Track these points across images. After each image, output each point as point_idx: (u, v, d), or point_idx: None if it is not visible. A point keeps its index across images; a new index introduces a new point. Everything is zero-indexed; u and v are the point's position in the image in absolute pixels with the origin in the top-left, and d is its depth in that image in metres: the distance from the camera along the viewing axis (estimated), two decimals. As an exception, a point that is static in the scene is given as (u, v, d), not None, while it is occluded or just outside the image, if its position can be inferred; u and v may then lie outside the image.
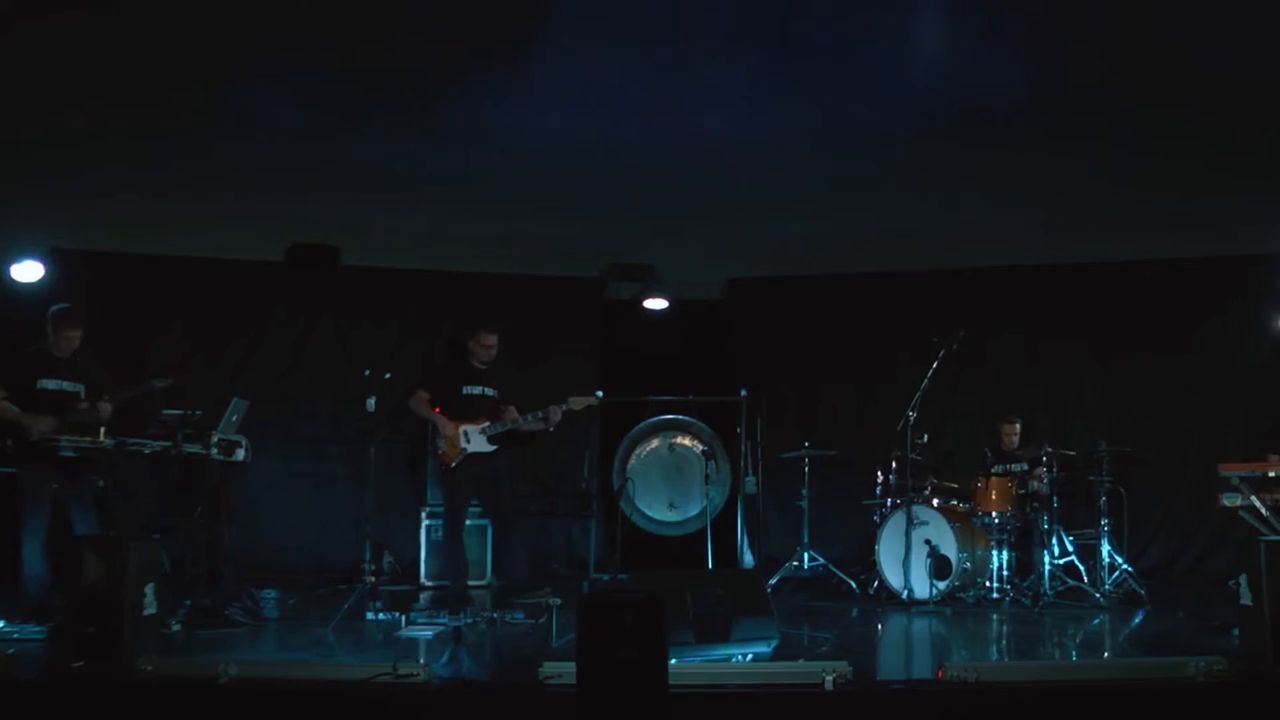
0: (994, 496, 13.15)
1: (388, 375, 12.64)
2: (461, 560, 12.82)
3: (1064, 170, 12.17)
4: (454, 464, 12.64)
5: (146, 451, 11.17)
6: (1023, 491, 13.36)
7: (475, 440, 12.64)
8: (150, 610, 8.86)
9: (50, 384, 11.22)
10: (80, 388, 11.30)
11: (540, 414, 12.61)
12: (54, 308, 11.48)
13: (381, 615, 11.56)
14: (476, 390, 12.85)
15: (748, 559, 15.44)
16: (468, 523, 14.15)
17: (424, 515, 14.90)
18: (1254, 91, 10.11)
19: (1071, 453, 13.71)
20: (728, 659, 9.13)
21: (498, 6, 8.99)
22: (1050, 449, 13.24)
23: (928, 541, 12.82)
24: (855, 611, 12.87)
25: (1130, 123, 10.88)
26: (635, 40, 9.42)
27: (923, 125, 10.96)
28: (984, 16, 8.98)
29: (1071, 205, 13.25)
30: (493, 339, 12.88)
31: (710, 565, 14.14)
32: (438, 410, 12.74)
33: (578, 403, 12.81)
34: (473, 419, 12.70)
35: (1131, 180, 12.39)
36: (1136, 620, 12.09)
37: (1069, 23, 9.09)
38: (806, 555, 14.68)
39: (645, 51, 9.63)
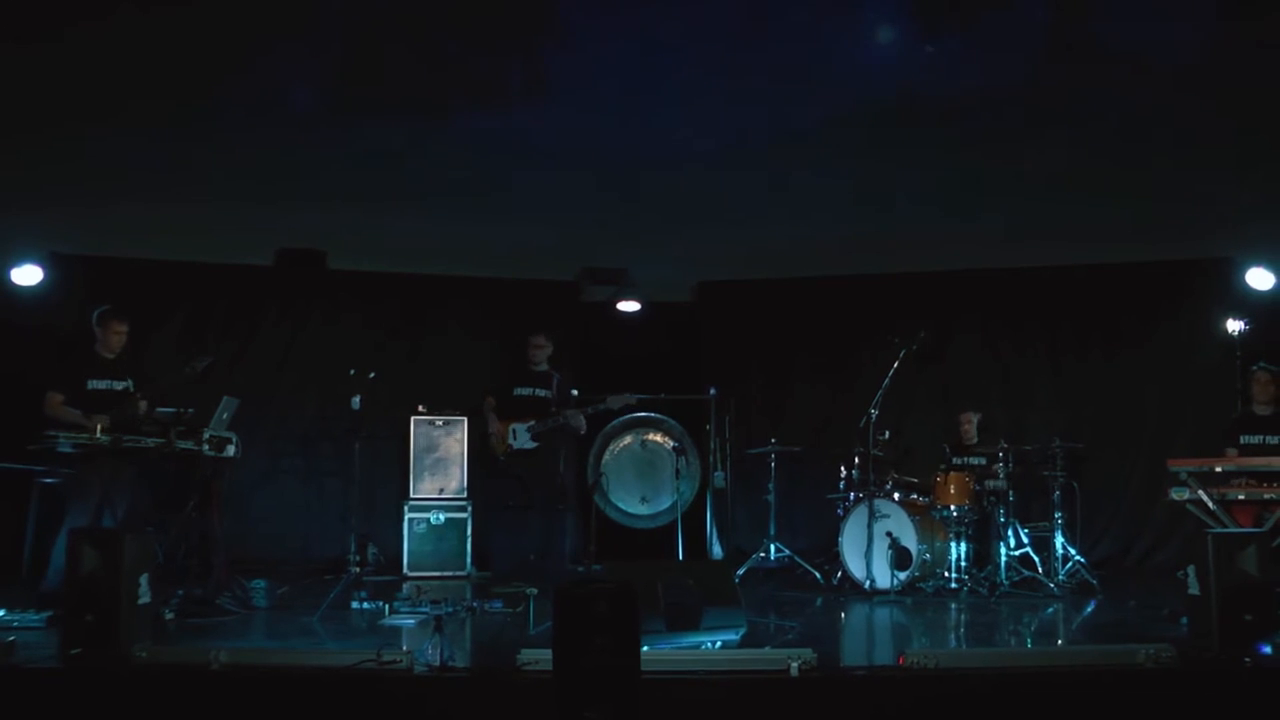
0: (953, 491, 13.18)
1: (372, 375, 12.68)
2: (550, 541, 13.54)
3: (1022, 177, 12.21)
4: (500, 458, 13.32)
5: (142, 448, 11.17)
6: (980, 486, 13.40)
7: (521, 438, 13.15)
8: (145, 600, 8.83)
9: (100, 384, 11.41)
10: (129, 384, 11.51)
11: (561, 418, 13.20)
12: (99, 309, 11.69)
13: (366, 604, 11.53)
14: (527, 391, 13.42)
15: (716, 551, 15.46)
16: (448, 516, 14.29)
17: (407, 509, 14.95)
18: (1210, 100, 10.18)
19: (1027, 448, 13.72)
20: (697, 646, 9.12)
21: (481, 21, 9.00)
22: (1007, 445, 13.29)
23: (889, 534, 12.82)
24: (819, 601, 12.87)
25: (1087, 131, 10.93)
26: (613, 52, 9.45)
27: (886, 135, 11.02)
28: (941, 29, 9.04)
29: (1030, 211, 13.29)
30: (539, 340, 13.55)
31: (680, 557, 14.13)
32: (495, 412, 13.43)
33: (615, 401, 13.42)
34: (521, 418, 13.20)
35: (1089, 187, 12.42)
36: (1089, 609, 12.11)
37: (1022, 36, 9.16)
38: (773, 547, 14.70)
39: (621, 63, 9.66)
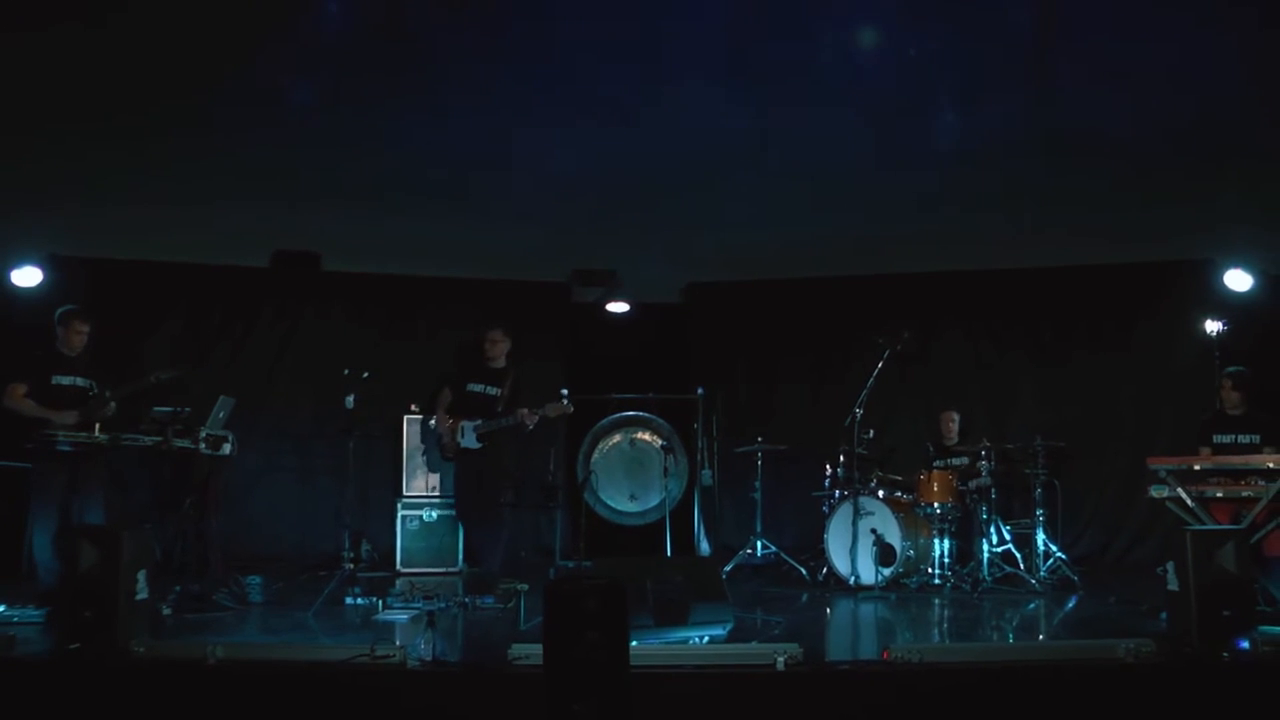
0: (936, 488, 13.19)
1: (366, 374, 12.65)
2: (484, 545, 12.98)
3: (1005, 181, 12.22)
4: (450, 457, 13.03)
5: (139, 446, 11.17)
6: (963, 485, 13.40)
7: (468, 437, 12.79)
8: (142, 595, 8.81)
9: (64, 380, 11.35)
10: (91, 383, 11.44)
11: (512, 418, 12.61)
12: (62, 307, 11.64)
13: (360, 600, 11.54)
14: (479, 388, 12.95)
15: (704, 547, 15.46)
16: (440, 513, 14.26)
17: (400, 506, 14.96)
18: (1182, 109, 10.20)
19: (1009, 446, 13.71)
20: (685, 641, 9.13)
21: (473, 24, 9.00)
22: (989, 443, 13.30)
23: (873, 531, 12.86)
24: (805, 597, 12.85)
25: (1067, 135, 10.95)
26: (603, 58, 9.45)
27: (871, 144, 11.04)
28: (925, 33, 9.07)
29: (1013, 214, 13.29)
30: (495, 334, 12.99)
31: (669, 553, 14.18)
32: (447, 410, 13.02)
33: (553, 409, 12.69)
34: (470, 416, 12.81)
35: (1070, 190, 12.44)
36: (1070, 605, 12.12)
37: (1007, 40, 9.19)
38: (759, 544, 14.71)
39: (612, 69, 9.66)
